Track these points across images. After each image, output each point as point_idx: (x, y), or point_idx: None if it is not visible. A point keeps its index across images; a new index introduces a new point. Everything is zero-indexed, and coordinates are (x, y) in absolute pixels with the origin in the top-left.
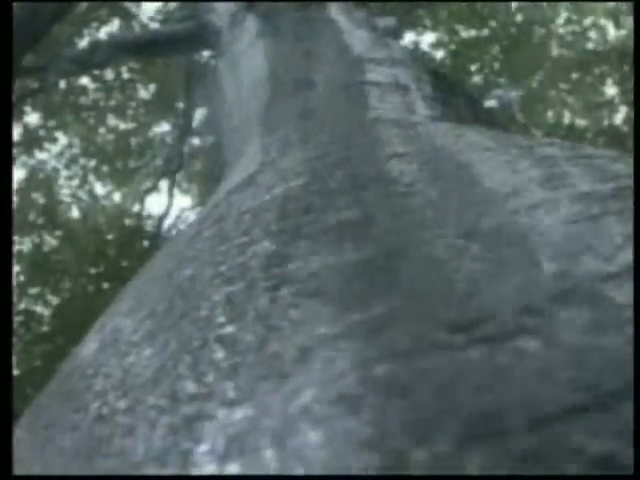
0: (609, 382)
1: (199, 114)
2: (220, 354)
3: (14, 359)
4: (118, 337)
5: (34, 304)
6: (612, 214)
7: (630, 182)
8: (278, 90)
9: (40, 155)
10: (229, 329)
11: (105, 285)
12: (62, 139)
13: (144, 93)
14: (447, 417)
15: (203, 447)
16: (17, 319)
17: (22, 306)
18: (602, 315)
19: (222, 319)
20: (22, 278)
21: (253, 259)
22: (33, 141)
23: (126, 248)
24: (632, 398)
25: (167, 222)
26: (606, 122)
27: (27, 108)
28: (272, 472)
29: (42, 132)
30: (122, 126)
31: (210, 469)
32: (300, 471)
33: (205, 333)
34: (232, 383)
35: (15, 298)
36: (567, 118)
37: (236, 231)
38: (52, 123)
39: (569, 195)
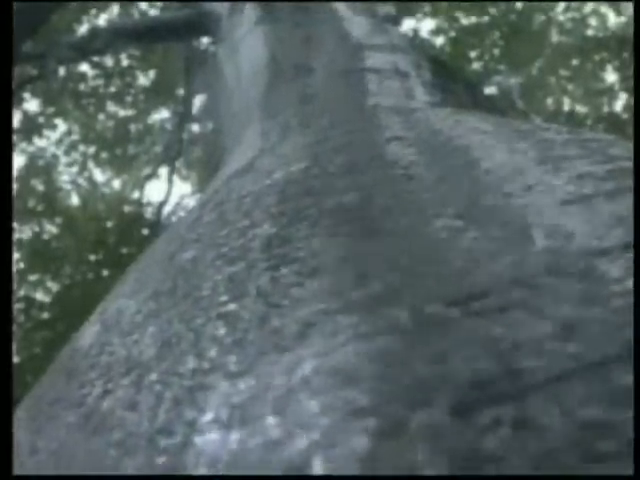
0: (597, 351)
1: (198, 101)
2: (222, 330)
3: (14, 346)
4: (121, 317)
5: (34, 291)
6: (605, 194)
7: (625, 164)
8: (278, 76)
9: (39, 142)
10: (231, 307)
11: (105, 272)
12: (61, 126)
13: (143, 80)
14: (442, 385)
15: (207, 416)
16: (17, 306)
17: (22, 293)
18: (592, 289)
19: (224, 298)
20: (22, 265)
21: (254, 241)
22: (33, 128)
23: (126, 235)
24: (619, 366)
25: (167, 209)
26: (606, 109)
27: (26, 95)
28: (274, 439)
29: (41, 119)
30: (121, 113)
31: (214, 437)
32: (301, 437)
33: (207, 311)
34: (234, 357)
35: (15, 285)
36: (567, 105)
37: (237, 214)
38: (51, 110)
39: (564, 177)
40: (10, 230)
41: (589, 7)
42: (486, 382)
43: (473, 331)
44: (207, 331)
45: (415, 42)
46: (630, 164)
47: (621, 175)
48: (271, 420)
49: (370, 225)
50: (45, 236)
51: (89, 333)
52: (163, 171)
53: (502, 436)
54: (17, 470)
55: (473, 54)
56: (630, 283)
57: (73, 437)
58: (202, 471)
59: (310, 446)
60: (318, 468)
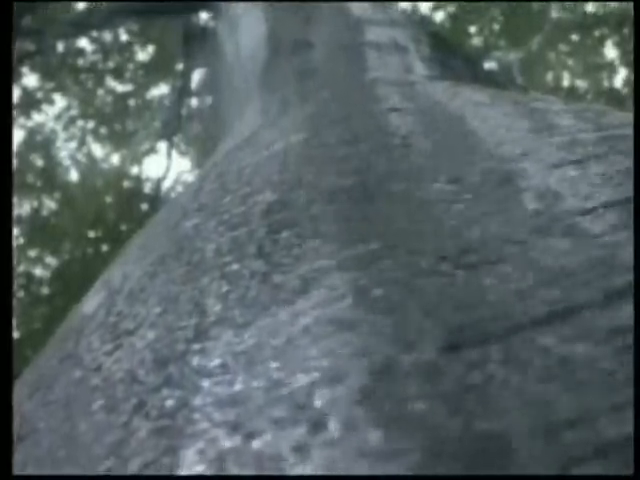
0: (576, 297)
1: (198, 75)
2: (226, 288)
3: (14, 321)
4: (127, 282)
5: (33, 267)
6: (594, 158)
7: (616, 132)
8: (277, 52)
9: (38, 117)
10: (234, 267)
11: (104, 248)
12: (60, 101)
13: (142, 55)
14: (432, 329)
15: (214, 362)
16: (17, 282)
17: (21, 269)
18: (576, 243)
19: (227, 259)
20: (21, 241)
21: (255, 207)
22: (31, 103)
23: (125, 211)
24: (596, 309)
25: (166, 184)
26: (606, 84)
27: (25, 70)
28: (277, 380)
29: (40, 94)
30: (120, 88)
31: (220, 380)
32: (302, 377)
33: (211, 272)
34: (238, 311)
35: (14, 261)
36: (567, 80)
37: (238, 184)
38: (50, 85)
39: (556, 143)
40: (10, 204)
41: None
42: (474, 325)
43: (464, 282)
44: (212, 289)
45: (414, 17)
46: (621, 132)
47: (610, 141)
48: (274, 364)
49: (368, 190)
50: (44, 212)
51: (95, 298)
52: (162, 147)
53: (488, 371)
54: (28, 420)
55: (473, 29)
56: (610, 238)
57: (83, 389)
58: (209, 410)
59: (311, 384)
60: (319, 403)
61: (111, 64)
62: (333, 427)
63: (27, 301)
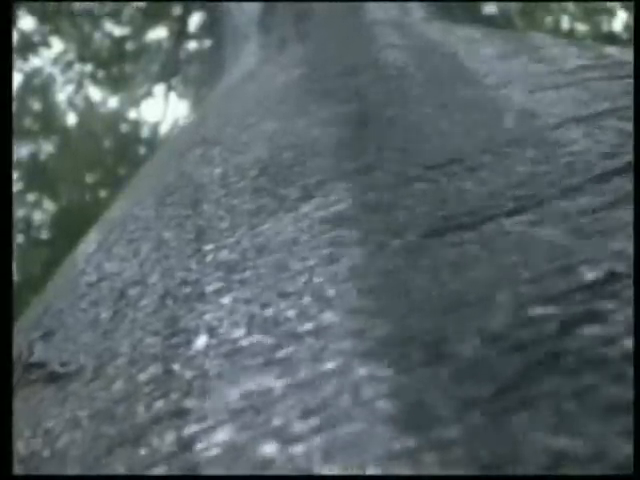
0: (541, 193)
1: (196, 19)
2: (236, 201)
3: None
4: (138, 207)
5: (32, 211)
6: (572, 84)
7: (602, 62)
8: None
9: (36, 61)
10: (241, 184)
11: (102, 193)
12: (58, 44)
13: None
14: (417, 221)
15: (225, 257)
16: (16, 226)
17: (20, 213)
18: (545, 152)
19: (233, 179)
20: (20, 185)
21: (258, 135)
22: (28, 46)
23: (123, 155)
24: (555, 202)
25: (163, 128)
26: (605, 28)
27: (22, 13)
28: (278, 270)
29: (37, 37)
30: (117, 31)
31: (233, 269)
32: (305, 262)
33: (219, 191)
34: (246, 218)
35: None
36: (566, 24)
37: (240, 116)
38: (47, 28)
39: (539, 71)
40: (10, 150)
41: None
42: (453, 216)
43: (446, 186)
44: (220, 204)
45: None
46: (602, 62)
47: (590, 69)
48: (280, 255)
49: (364, 115)
50: (42, 156)
51: (107, 224)
52: (160, 90)
53: (463, 250)
54: (57, 318)
55: None
56: (575, 147)
57: (104, 290)
58: (223, 291)
59: (313, 266)
60: (319, 279)
61: (108, 7)
62: (331, 296)
63: (26, 246)
